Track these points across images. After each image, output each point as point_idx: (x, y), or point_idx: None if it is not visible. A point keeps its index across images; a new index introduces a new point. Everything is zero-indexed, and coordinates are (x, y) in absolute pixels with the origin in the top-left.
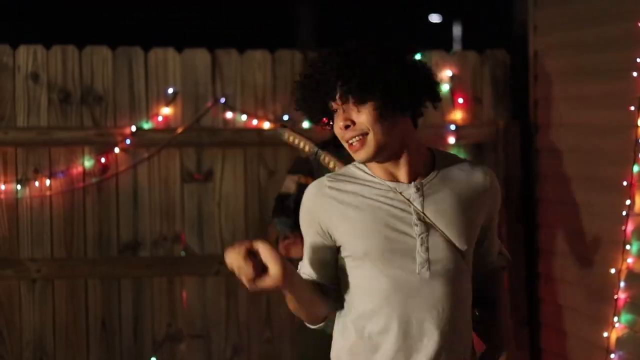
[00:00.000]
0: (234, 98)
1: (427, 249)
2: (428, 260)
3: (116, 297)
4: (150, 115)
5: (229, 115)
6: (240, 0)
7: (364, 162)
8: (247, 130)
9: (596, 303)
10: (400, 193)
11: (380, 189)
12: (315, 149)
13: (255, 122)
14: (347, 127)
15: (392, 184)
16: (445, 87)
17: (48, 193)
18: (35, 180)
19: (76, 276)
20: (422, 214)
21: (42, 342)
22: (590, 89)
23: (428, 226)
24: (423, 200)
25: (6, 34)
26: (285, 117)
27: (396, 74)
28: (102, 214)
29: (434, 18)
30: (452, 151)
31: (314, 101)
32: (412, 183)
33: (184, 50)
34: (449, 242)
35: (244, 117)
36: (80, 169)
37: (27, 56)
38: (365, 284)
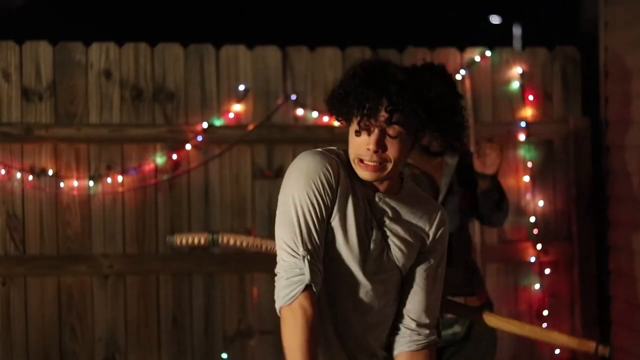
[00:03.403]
0: (304, 95)
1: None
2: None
3: (187, 293)
4: (221, 112)
5: (299, 112)
6: None
7: (367, 180)
8: (318, 127)
9: None
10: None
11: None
12: (211, 236)
13: (326, 119)
14: (376, 151)
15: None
16: (515, 84)
17: (120, 189)
18: (107, 177)
19: (148, 272)
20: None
21: (114, 337)
22: None
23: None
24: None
25: (79, 32)
26: None
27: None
28: (174, 211)
29: (494, 19)
30: (523, 148)
31: (352, 107)
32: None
33: (255, 47)
34: None
35: (314, 114)
36: (152, 165)
37: (99, 54)
38: None
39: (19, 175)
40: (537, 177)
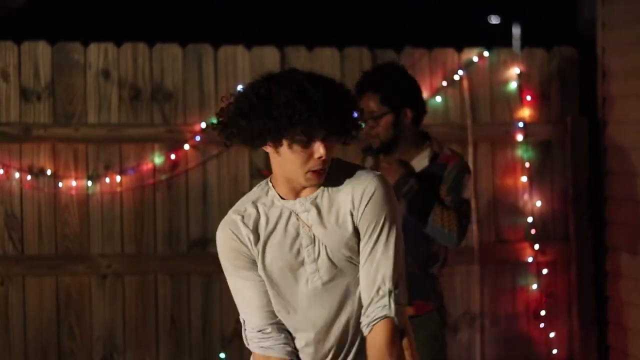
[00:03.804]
0: None
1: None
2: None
3: (185, 293)
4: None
5: None
6: None
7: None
8: None
9: None
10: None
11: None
12: None
13: None
14: (326, 159)
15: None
16: (513, 85)
17: (118, 189)
18: (105, 177)
19: (146, 272)
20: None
21: (112, 337)
22: None
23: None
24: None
25: (77, 32)
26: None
27: (355, 116)
28: (172, 210)
29: (492, 19)
30: (520, 148)
31: (289, 126)
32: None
33: (253, 47)
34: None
35: None
36: (150, 165)
37: (98, 54)
38: None
39: (17, 175)
40: (535, 177)
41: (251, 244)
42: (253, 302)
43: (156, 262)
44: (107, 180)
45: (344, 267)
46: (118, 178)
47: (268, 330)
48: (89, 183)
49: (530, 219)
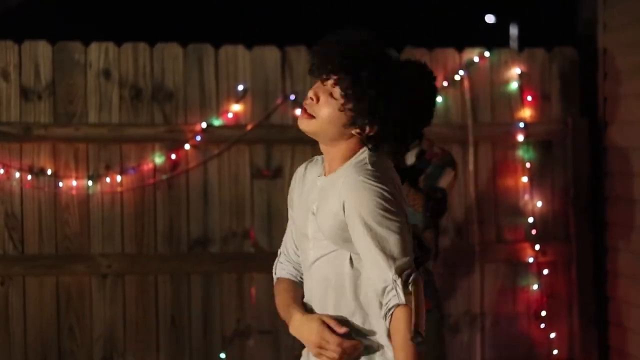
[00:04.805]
0: (303, 95)
1: None
2: None
3: (186, 293)
4: (220, 112)
5: (298, 112)
6: None
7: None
8: None
9: None
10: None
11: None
12: None
13: None
14: (311, 99)
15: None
16: (514, 85)
17: (119, 189)
18: (106, 177)
19: (146, 272)
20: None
21: (113, 337)
22: None
23: None
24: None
25: (78, 32)
26: None
27: (371, 76)
28: (173, 210)
29: (490, 19)
30: (521, 148)
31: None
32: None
33: (254, 47)
34: None
35: None
36: (150, 165)
37: (99, 53)
38: None
39: (17, 174)
40: (536, 177)
41: (294, 191)
42: (287, 233)
43: (156, 262)
44: (108, 180)
45: (333, 247)
46: (118, 178)
47: (282, 259)
48: (90, 183)
49: (530, 219)
